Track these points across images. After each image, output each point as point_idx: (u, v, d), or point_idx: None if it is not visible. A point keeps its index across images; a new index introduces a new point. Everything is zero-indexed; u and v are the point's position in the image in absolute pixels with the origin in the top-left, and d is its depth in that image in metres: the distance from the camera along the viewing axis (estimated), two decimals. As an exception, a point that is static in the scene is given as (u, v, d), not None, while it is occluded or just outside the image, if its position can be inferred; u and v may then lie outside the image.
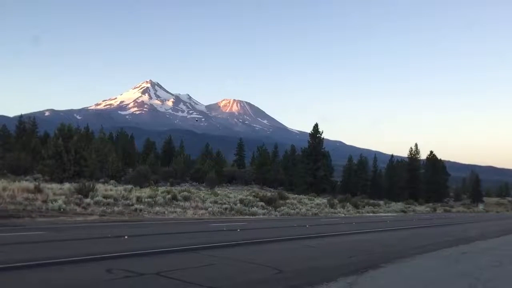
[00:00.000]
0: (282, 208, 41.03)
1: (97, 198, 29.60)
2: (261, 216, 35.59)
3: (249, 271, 9.76)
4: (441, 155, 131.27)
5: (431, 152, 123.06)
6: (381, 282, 8.98)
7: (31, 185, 32.28)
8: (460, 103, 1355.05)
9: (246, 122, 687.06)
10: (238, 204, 37.93)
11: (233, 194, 49.79)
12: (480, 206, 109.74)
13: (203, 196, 41.14)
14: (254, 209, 37.47)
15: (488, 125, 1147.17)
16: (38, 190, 29.80)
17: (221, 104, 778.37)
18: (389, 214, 56.62)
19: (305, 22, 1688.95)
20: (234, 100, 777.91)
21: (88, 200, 28.88)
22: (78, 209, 26.57)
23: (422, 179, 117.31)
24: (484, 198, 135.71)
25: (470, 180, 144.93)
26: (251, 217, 34.29)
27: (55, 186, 35.57)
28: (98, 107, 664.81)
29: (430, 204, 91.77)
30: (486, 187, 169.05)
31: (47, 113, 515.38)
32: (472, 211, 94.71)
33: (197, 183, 74.48)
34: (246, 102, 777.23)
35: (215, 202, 37.75)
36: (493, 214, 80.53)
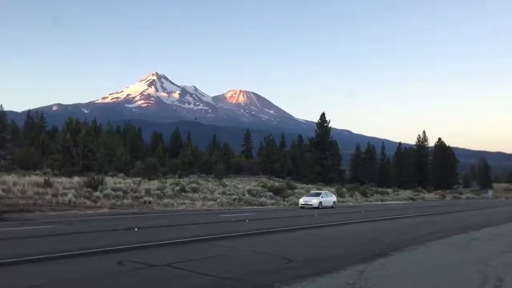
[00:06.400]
0: (290, 197, 41.14)
1: (106, 191, 29.85)
2: (270, 206, 35.72)
3: (259, 261, 9.79)
4: (449, 142, 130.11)
5: (439, 139, 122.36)
6: (391, 270, 8.98)
7: (41, 179, 32.59)
8: (468, 89, 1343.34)
9: (252, 112, 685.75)
10: (247, 195, 38.10)
11: (241, 184, 50.00)
12: (489, 193, 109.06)
13: (212, 187, 41.34)
14: (263, 199, 37.61)
15: (497, 111, 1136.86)
16: (48, 184, 30.10)
17: (228, 95, 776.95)
18: (398, 202, 56.58)
19: (309, 10, 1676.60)
20: (241, 90, 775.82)
21: (97, 193, 29.13)
22: (88, 202, 26.81)
23: (430, 166, 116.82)
24: (493, 184, 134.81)
25: (479, 166, 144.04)
26: (259, 207, 34.42)
27: (64, 180, 35.86)
28: (105, 100, 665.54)
29: (439, 191, 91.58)
30: (496, 173, 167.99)
31: (54, 108, 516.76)
32: (482, 197, 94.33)
33: (205, 175, 74.62)
34: (252, 92, 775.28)
35: (224, 193, 37.92)
36: (502, 200, 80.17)
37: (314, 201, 34.48)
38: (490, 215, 29.69)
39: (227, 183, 50.70)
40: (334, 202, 36.99)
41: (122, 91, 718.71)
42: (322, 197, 35.75)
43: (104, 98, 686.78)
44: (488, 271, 8.76)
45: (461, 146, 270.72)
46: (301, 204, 34.60)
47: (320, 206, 33.88)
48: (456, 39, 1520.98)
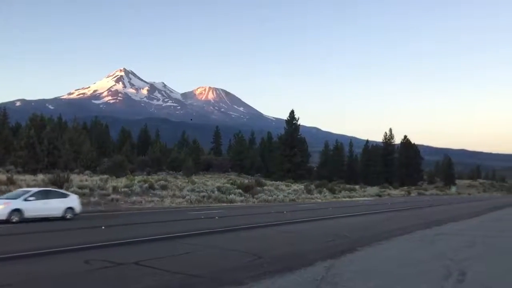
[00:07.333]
0: (259, 195, 41.24)
1: (72, 189, 29.20)
2: (239, 203, 35.71)
3: (228, 258, 9.81)
4: (415, 139, 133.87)
5: (405, 136, 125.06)
6: (358, 265, 9.14)
7: (3, 176, 31.64)
8: (433, 88, 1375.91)
9: (222, 109, 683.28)
10: (216, 192, 37.96)
11: (211, 182, 49.78)
12: (453, 189, 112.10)
13: (180, 185, 41.01)
14: (232, 196, 37.57)
15: (460, 109, 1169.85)
16: (11, 181, 29.26)
17: (197, 92, 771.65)
18: (365, 198, 57.51)
19: (277, 8, 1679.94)
20: (210, 87, 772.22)
21: (63, 191, 28.49)
22: (53, 201, 26.18)
23: (396, 163, 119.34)
24: (457, 181, 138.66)
25: (443, 163, 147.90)
26: (229, 204, 34.40)
27: (28, 177, 34.95)
28: (71, 96, 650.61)
29: (405, 188, 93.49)
30: (459, 170, 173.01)
31: (18, 103, 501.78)
32: (445, 193, 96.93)
33: (174, 172, 73.88)
34: (222, 89, 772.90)
35: (193, 190, 37.69)
36: (465, 196, 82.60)
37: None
38: (453, 211, 30.53)
39: (196, 180, 50.41)
40: (71, 208, 20.06)
41: (89, 87, 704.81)
42: (27, 200, 18.16)
43: (70, 94, 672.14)
44: (452, 265, 9.02)
45: (425, 143, 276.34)
46: None
47: (18, 218, 17.25)
48: (422, 39, 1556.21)
